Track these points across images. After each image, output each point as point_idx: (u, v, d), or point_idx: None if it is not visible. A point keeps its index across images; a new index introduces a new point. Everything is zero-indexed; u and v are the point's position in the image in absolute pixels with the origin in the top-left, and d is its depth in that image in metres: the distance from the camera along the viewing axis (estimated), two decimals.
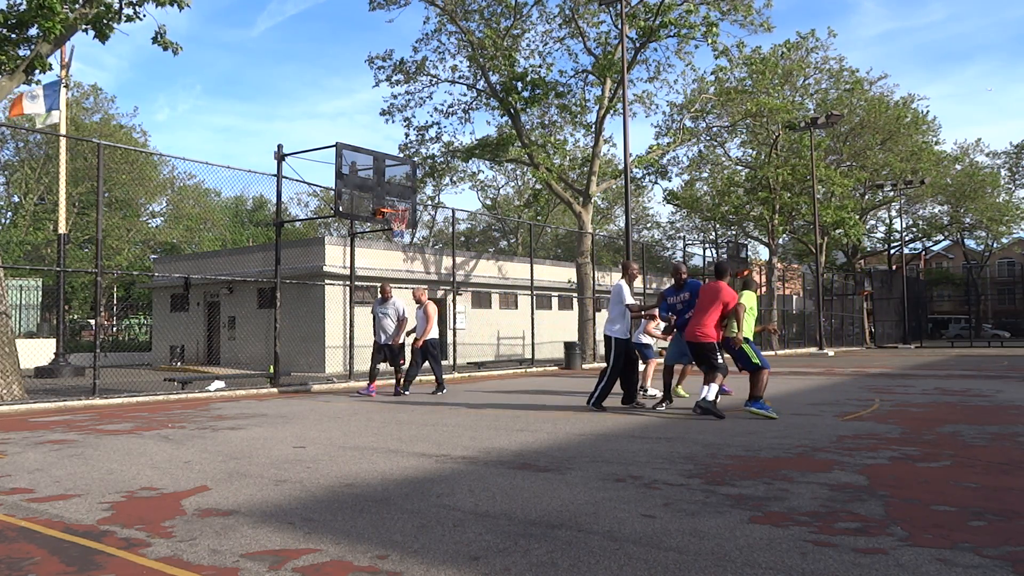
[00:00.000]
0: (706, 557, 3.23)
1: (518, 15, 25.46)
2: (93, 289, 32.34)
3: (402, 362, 12.38)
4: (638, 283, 27.83)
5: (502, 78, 24.84)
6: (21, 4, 11.49)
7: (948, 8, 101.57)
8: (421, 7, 30.18)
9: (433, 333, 12.31)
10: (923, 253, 58.69)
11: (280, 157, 14.29)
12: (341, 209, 13.55)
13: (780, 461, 5.55)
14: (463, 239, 58.14)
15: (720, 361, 8.42)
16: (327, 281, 20.41)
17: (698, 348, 8.48)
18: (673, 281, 9.30)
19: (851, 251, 44.82)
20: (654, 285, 36.46)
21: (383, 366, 12.47)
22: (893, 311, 41.15)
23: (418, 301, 12.24)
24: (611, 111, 24.95)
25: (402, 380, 12.32)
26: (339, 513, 4.11)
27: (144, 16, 12.07)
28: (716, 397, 8.36)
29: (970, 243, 58.90)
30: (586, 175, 26.32)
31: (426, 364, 12.53)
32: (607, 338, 9.32)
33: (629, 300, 9.26)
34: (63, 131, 18.24)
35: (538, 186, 28.54)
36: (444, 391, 12.40)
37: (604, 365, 9.46)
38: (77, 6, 11.52)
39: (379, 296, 12.37)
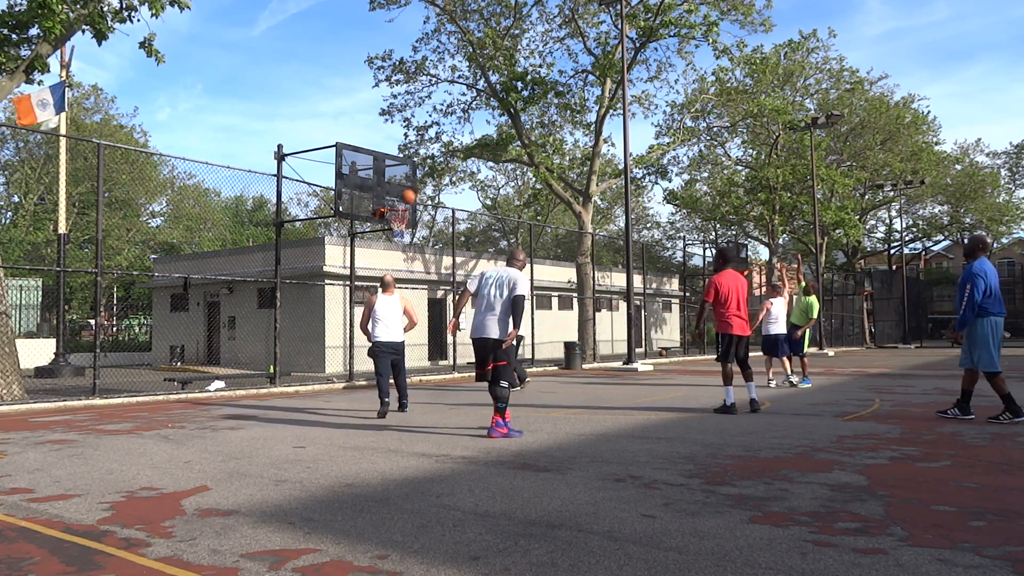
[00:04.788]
0: (706, 557, 3.23)
1: (518, 15, 25.47)
2: (93, 289, 32.33)
3: None
4: (637, 281, 27.85)
5: (502, 78, 24.84)
6: (21, 4, 11.49)
7: (951, 7, 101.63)
8: (421, 7, 30.20)
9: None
10: (923, 253, 58.62)
11: (280, 157, 14.29)
12: (341, 209, 13.56)
13: (780, 461, 5.55)
14: (463, 239, 58.12)
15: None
16: (327, 281, 20.42)
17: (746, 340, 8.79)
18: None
19: (851, 251, 44.79)
20: (654, 285, 36.47)
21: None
22: (893, 311, 41.13)
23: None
24: (611, 111, 24.95)
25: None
26: (339, 513, 4.11)
27: (138, 20, 12.06)
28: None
29: None
30: (586, 175, 26.31)
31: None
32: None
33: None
34: (63, 131, 18.24)
35: (538, 186, 28.55)
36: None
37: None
38: (77, 6, 11.52)
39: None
